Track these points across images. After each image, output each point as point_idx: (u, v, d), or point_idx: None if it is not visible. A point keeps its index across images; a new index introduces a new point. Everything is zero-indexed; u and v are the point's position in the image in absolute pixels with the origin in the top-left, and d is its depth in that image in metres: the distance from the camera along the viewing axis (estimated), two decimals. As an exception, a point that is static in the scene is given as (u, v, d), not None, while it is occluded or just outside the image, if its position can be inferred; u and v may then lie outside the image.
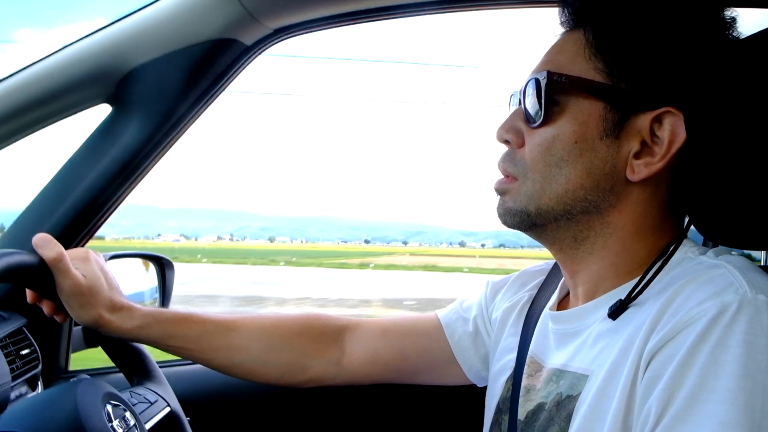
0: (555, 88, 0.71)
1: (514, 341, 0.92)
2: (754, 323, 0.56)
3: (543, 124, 0.73)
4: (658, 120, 0.69)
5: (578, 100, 0.71)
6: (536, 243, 0.81)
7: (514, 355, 0.90)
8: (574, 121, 0.71)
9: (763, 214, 0.76)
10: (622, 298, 0.70)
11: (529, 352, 0.86)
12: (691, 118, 0.67)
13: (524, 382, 0.84)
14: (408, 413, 1.40)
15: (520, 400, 0.82)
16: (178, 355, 1.01)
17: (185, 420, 1.05)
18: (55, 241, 0.87)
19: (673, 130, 0.68)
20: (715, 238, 0.78)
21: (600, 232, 0.74)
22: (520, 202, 0.76)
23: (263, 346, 1.02)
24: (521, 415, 0.81)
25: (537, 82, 0.73)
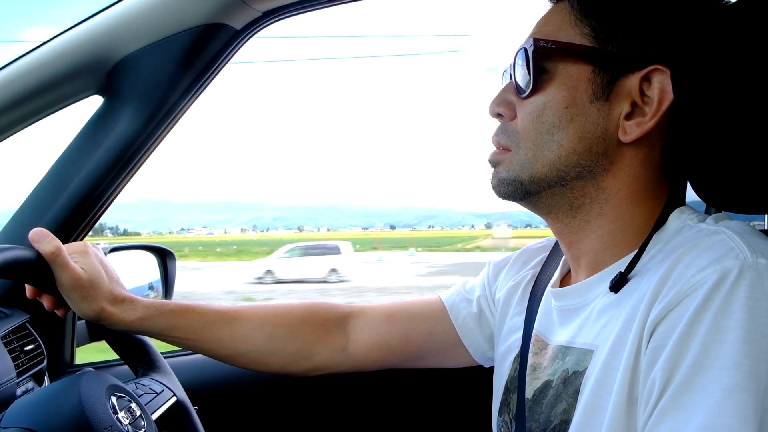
0: (542, 55, 0.72)
1: (520, 320, 0.91)
2: (756, 287, 0.56)
3: (533, 92, 0.73)
4: (647, 79, 0.69)
5: (566, 66, 0.71)
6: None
7: (520, 335, 0.89)
8: (563, 86, 0.71)
9: (760, 177, 0.75)
10: (622, 271, 0.69)
11: (533, 331, 0.86)
12: (680, 75, 0.67)
13: (530, 360, 0.83)
14: (416, 397, 1.40)
15: (527, 378, 0.82)
16: (181, 347, 1.01)
17: (192, 409, 1.05)
18: (52, 235, 0.86)
19: (662, 87, 0.68)
20: (713, 202, 0.78)
21: (595, 199, 0.74)
22: (513, 171, 0.76)
23: (267, 335, 1.02)
24: (528, 393, 0.81)
25: (525, 51, 0.73)
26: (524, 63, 0.73)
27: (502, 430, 0.89)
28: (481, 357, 1.05)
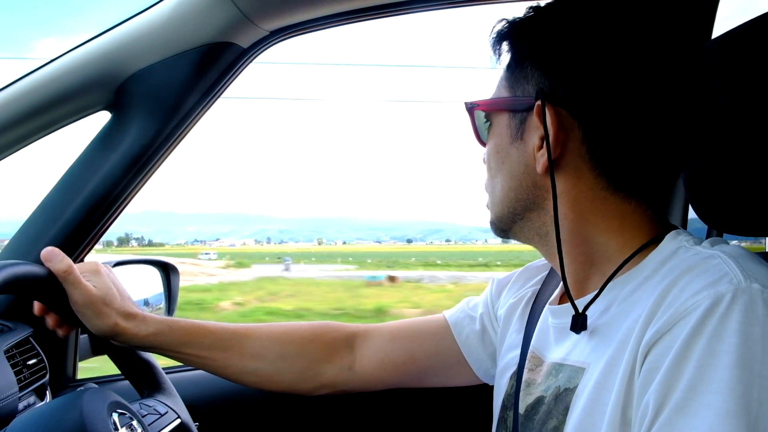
0: (478, 114, 0.84)
1: (518, 337, 0.93)
2: (749, 313, 0.56)
3: (483, 144, 0.85)
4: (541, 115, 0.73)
5: (495, 117, 0.81)
6: None
7: (518, 351, 0.90)
8: (494, 135, 0.82)
9: (760, 199, 0.76)
10: (578, 312, 0.72)
11: (530, 347, 0.87)
12: (568, 105, 0.71)
13: (525, 376, 0.85)
14: (418, 416, 1.39)
15: (521, 394, 0.84)
16: (190, 364, 1.02)
17: None
18: (63, 254, 0.89)
19: (546, 119, 0.72)
20: (714, 224, 0.78)
21: (553, 226, 0.76)
22: (490, 215, 0.85)
23: (276, 353, 1.04)
24: (521, 409, 0.82)
25: (469, 111, 0.85)
26: (471, 121, 0.85)
27: None
28: (484, 374, 1.05)
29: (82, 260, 1.17)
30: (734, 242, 0.70)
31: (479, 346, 1.04)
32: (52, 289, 0.87)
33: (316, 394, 1.07)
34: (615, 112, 0.70)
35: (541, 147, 0.74)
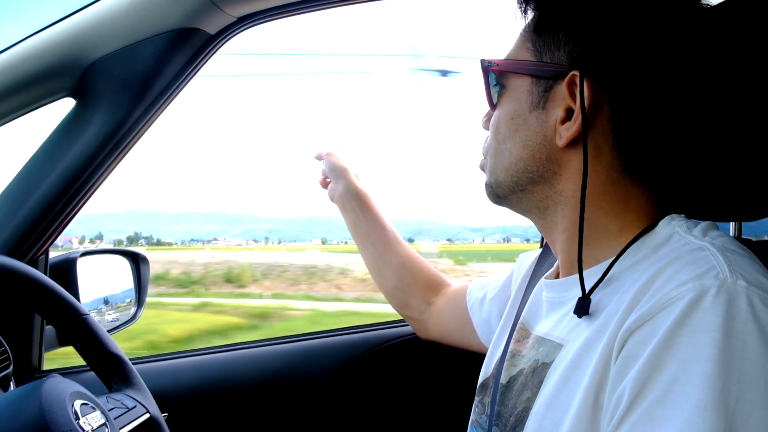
0: (495, 73, 0.80)
1: (513, 309, 0.96)
2: (732, 309, 0.56)
3: (495, 107, 0.82)
4: (574, 84, 0.71)
5: (513, 80, 0.78)
6: None
7: (512, 321, 0.93)
8: (510, 99, 0.78)
9: (723, 184, 0.77)
10: (584, 294, 0.70)
11: (520, 319, 0.88)
12: (605, 80, 0.70)
13: (511, 346, 0.85)
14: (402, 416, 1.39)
15: (505, 364, 0.84)
16: (364, 235, 1.30)
17: (166, 427, 1.03)
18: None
19: (584, 91, 0.70)
20: (681, 209, 0.77)
21: (557, 201, 0.76)
22: (487, 177, 0.84)
23: (404, 254, 1.30)
24: (503, 379, 0.82)
25: (484, 70, 0.81)
26: (485, 81, 0.81)
27: (477, 409, 0.91)
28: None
29: (45, 252, 1.15)
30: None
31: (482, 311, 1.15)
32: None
33: (404, 313, 1.32)
34: (647, 91, 0.69)
35: (565, 119, 0.72)
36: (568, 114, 0.72)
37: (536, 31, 0.75)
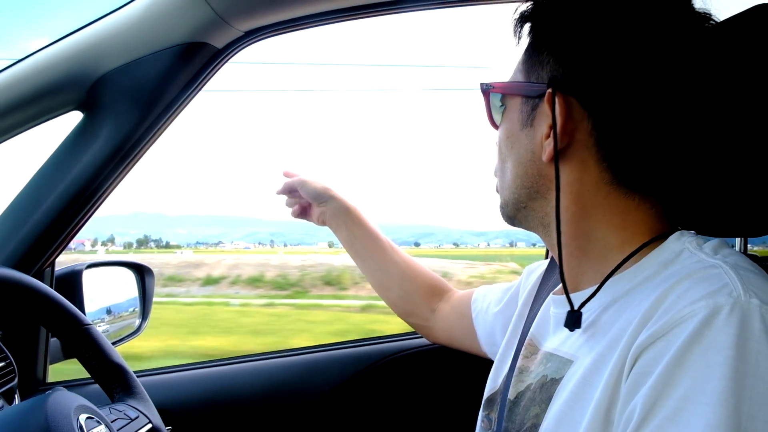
0: (494, 96, 0.83)
1: (520, 324, 0.96)
2: (745, 327, 0.56)
3: (496, 128, 0.84)
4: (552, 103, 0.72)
5: (509, 101, 0.81)
6: None
7: (518, 336, 0.92)
8: (506, 120, 0.81)
9: (732, 200, 0.76)
10: (573, 309, 0.72)
11: (528, 335, 0.87)
12: (580, 95, 0.71)
13: (519, 363, 0.85)
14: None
15: (513, 380, 0.84)
16: (357, 248, 1.30)
17: None
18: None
19: (550, 109, 0.72)
20: (687, 225, 0.77)
21: (554, 217, 0.76)
22: (499, 199, 0.85)
23: (404, 263, 1.31)
24: (511, 394, 0.82)
25: (483, 92, 0.84)
26: (486, 102, 0.84)
27: (483, 424, 0.90)
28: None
29: (52, 264, 1.15)
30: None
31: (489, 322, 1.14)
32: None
33: (408, 321, 1.32)
34: (626, 104, 0.69)
35: (548, 135, 0.73)
36: (550, 130, 0.73)
37: (526, 53, 0.78)
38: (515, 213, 0.82)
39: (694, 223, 0.81)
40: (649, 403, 0.57)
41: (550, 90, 0.72)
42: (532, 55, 0.76)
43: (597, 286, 0.71)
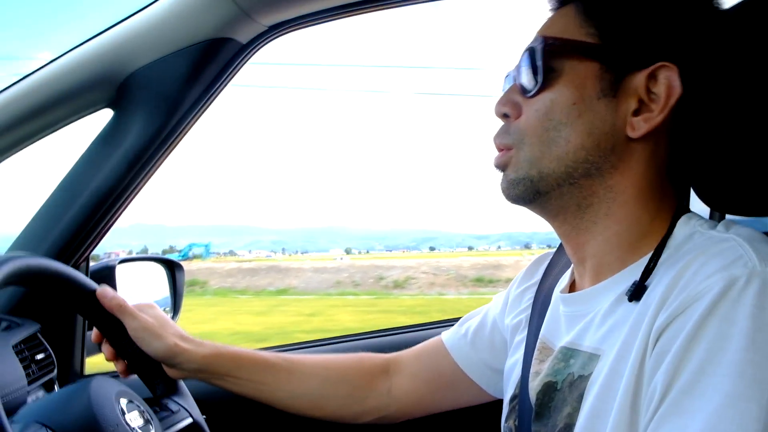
0: (551, 53, 0.72)
1: (524, 331, 0.92)
2: (763, 296, 0.55)
3: (540, 90, 0.73)
4: (653, 76, 0.69)
5: (574, 64, 0.72)
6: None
7: (524, 343, 0.89)
8: (570, 84, 0.71)
9: (762, 179, 0.75)
10: (637, 280, 0.68)
11: (540, 337, 0.85)
12: (686, 72, 0.68)
13: (534, 367, 0.83)
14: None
15: (530, 384, 0.82)
16: (240, 389, 1.03)
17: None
18: (113, 293, 0.96)
19: (668, 83, 0.68)
20: (715, 204, 0.77)
21: (603, 198, 0.73)
22: (521, 170, 0.74)
23: (321, 378, 1.06)
24: (533, 398, 0.80)
25: (533, 50, 0.74)
26: (532, 61, 0.73)
27: None
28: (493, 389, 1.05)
29: (87, 259, 1.18)
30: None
31: (488, 351, 1.04)
32: (89, 306, 0.95)
33: (362, 421, 1.09)
34: (720, 87, 0.68)
35: (638, 111, 0.69)
36: (640, 105, 0.70)
37: (599, 17, 0.71)
38: (551, 188, 0.73)
39: (726, 204, 0.80)
40: (667, 380, 0.57)
41: (665, 64, 0.68)
42: (613, 21, 0.70)
43: (648, 260, 0.69)
